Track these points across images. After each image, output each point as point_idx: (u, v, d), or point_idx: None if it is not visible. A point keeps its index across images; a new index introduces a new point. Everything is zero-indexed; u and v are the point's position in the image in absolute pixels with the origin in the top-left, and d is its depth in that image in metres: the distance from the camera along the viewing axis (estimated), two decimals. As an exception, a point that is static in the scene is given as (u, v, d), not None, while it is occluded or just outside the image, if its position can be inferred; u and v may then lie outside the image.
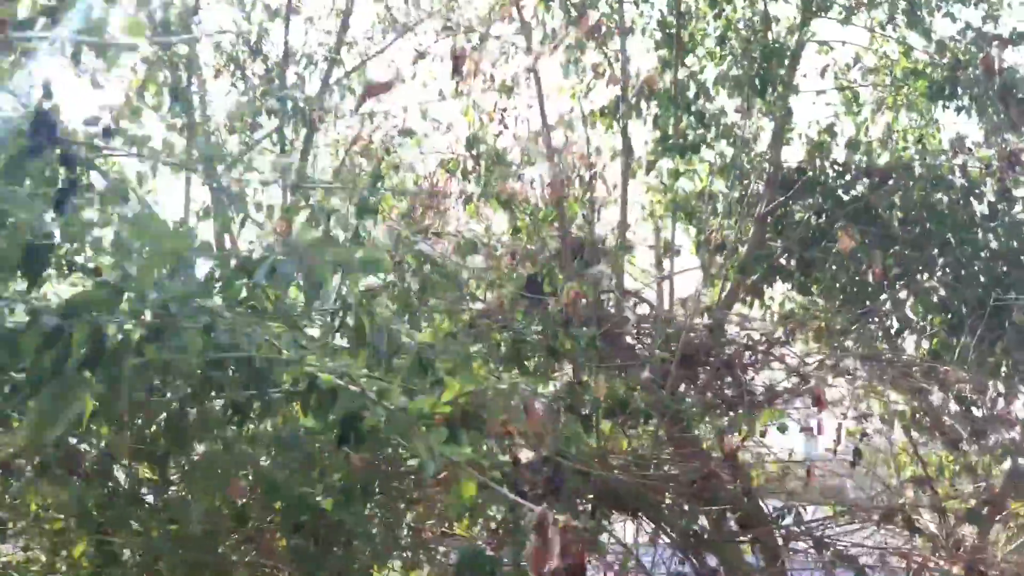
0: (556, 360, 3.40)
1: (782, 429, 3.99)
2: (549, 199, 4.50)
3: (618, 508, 3.44)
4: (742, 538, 4.16)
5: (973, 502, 4.15)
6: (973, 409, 4.72)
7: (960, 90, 4.16)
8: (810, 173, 4.67)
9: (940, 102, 4.30)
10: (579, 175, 4.63)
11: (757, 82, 4.33)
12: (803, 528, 4.15)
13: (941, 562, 4.04)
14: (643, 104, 4.81)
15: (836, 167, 4.59)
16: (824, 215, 4.65)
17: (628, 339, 4.28)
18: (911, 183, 4.36)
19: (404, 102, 5.40)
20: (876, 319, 4.85)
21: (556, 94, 5.12)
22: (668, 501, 3.79)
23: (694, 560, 3.66)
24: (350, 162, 4.96)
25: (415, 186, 5.25)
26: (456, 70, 3.89)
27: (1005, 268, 4.26)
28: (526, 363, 3.47)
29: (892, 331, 4.93)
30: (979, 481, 4.27)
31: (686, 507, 3.67)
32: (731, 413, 4.13)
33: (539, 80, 4.46)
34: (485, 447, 2.47)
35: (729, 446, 4.09)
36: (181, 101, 4.60)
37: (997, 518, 4.20)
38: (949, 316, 4.41)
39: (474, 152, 4.74)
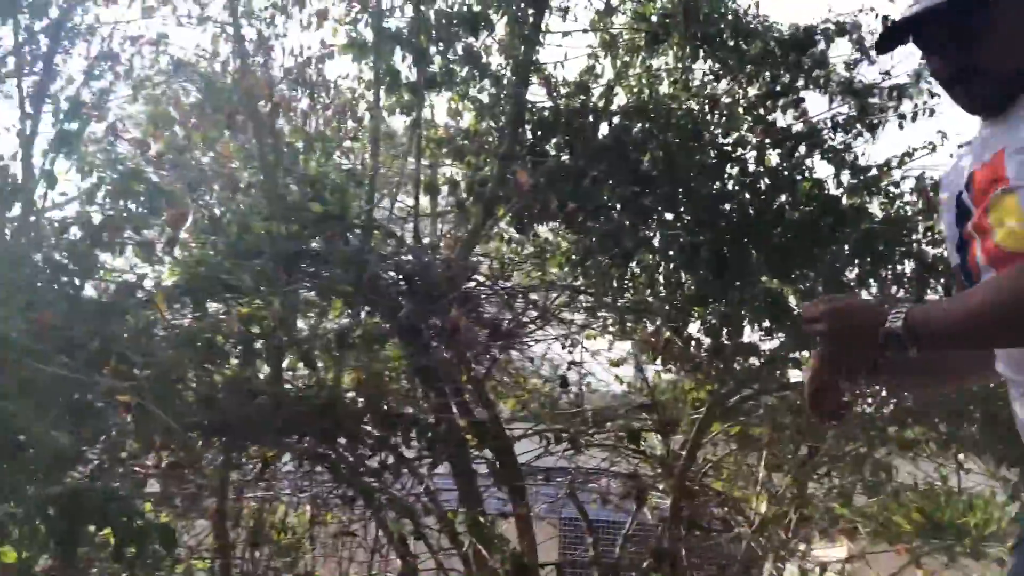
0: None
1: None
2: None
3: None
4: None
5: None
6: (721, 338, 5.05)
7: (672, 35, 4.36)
8: (560, 113, 4.80)
9: (655, 47, 4.51)
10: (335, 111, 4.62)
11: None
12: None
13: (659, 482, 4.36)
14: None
15: (581, 107, 4.74)
16: (572, 154, 4.80)
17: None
18: (646, 124, 4.57)
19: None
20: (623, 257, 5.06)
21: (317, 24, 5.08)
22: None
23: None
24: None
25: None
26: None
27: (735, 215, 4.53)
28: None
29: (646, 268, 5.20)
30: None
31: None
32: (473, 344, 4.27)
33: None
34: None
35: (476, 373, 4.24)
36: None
37: (704, 439, 4.54)
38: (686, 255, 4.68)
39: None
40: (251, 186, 3.52)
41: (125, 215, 3.06)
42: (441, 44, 4.78)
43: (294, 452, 3.23)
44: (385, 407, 3.44)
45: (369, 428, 3.47)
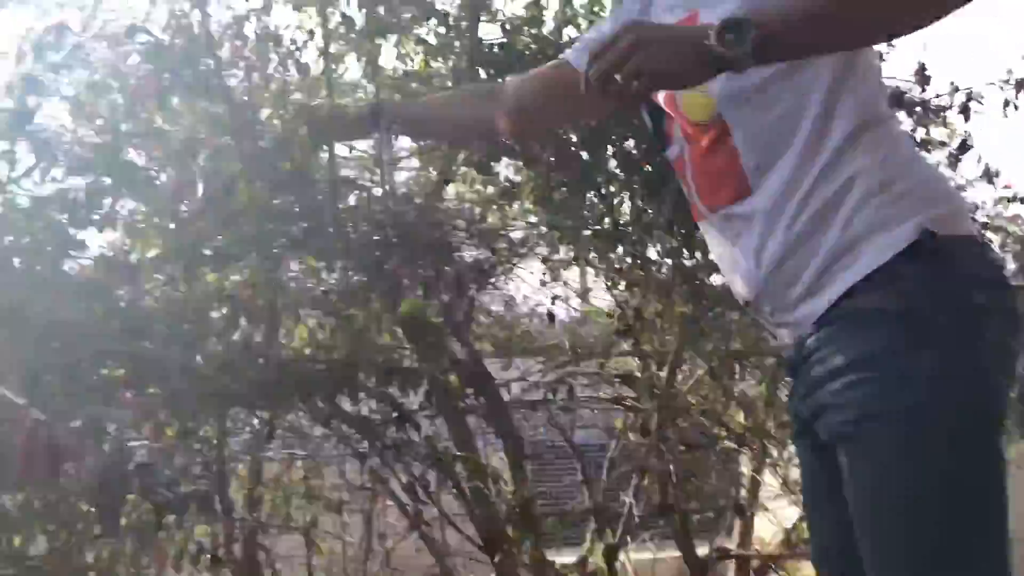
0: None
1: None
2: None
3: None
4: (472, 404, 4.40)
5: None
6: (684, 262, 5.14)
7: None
8: (512, 49, 4.76)
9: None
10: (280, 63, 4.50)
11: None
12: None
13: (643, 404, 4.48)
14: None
15: (533, 41, 4.70)
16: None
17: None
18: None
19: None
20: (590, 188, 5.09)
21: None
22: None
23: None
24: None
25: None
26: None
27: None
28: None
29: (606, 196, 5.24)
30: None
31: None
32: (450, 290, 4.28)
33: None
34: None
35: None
36: None
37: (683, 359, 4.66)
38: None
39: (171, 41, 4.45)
40: (219, 150, 3.44)
41: (102, 189, 2.98)
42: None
43: (303, 413, 3.24)
44: (380, 361, 3.46)
45: (368, 384, 3.49)
